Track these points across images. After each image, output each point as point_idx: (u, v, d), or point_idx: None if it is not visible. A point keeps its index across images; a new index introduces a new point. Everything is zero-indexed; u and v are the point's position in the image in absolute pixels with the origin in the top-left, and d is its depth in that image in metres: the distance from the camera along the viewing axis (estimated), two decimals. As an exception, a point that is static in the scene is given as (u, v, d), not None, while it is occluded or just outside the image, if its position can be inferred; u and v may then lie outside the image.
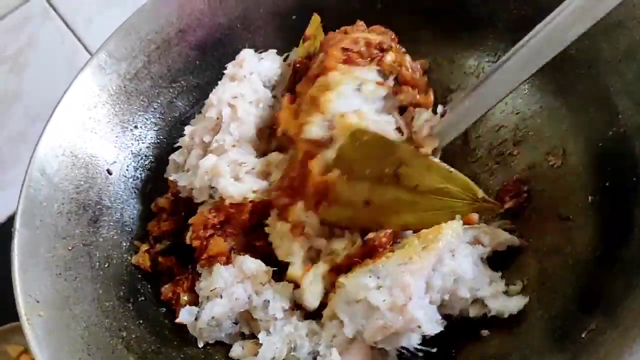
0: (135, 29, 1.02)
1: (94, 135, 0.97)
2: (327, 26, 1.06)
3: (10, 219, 1.32)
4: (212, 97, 0.97)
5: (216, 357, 0.87)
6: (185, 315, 0.86)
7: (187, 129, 0.99)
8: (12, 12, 1.28)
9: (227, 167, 0.90)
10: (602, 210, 0.78)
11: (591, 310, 0.70)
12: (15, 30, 1.30)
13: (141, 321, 0.87)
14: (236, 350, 0.85)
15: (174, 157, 1.00)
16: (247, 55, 1.01)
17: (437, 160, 0.85)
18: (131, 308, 0.88)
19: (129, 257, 0.95)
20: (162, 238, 0.98)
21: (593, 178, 0.81)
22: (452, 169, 0.84)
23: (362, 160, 0.82)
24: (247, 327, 0.87)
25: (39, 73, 1.35)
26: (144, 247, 0.96)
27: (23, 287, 0.77)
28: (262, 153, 0.97)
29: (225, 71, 1.00)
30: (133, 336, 0.84)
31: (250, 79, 0.98)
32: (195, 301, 0.89)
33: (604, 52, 0.84)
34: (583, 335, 0.67)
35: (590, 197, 0.80)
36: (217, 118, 0.95)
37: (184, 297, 0.90)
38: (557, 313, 0.74)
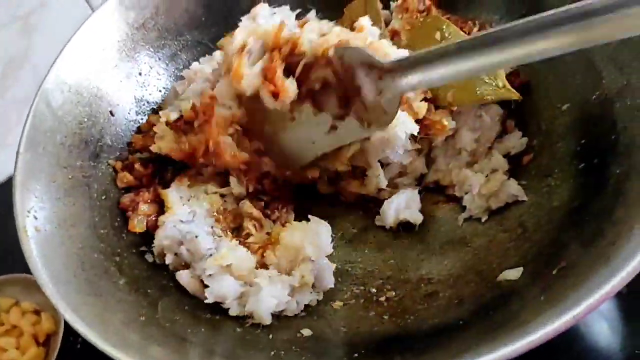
0: (145, -18, 1.04)
1: (99, 77, 0.98)
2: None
3: (9, 181, 1.35)
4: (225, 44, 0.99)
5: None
6: None
7: (194, 65, 1.04)
8: (27, -28, 1.27)
9: None
10: (582, 166, 0.81)
11: (563, 253, 0.72)
12: (28, -9, 1.29)
13: (134, 250, 0.88)
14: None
15: (175, 85, 1.06)
16: (261, 10, 1.00)
17: None
18: (125, 238, 0.89)
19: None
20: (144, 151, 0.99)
21: (575, 137, 0.84)
22: None
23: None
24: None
25: (48, 35, 1.34)
26: (118, 164, 0.97)
27: (22, 202, 0.78)
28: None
29: (239, 23, 0.99)
30: (125, 262, 0.85)
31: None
32: (153, 213, 0.92)
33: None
34: (554, 272, 0.69)
35: (572, 155, 0.83)
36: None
37: (143, 208, 0.91)
38: (532, 258, 0.77)
